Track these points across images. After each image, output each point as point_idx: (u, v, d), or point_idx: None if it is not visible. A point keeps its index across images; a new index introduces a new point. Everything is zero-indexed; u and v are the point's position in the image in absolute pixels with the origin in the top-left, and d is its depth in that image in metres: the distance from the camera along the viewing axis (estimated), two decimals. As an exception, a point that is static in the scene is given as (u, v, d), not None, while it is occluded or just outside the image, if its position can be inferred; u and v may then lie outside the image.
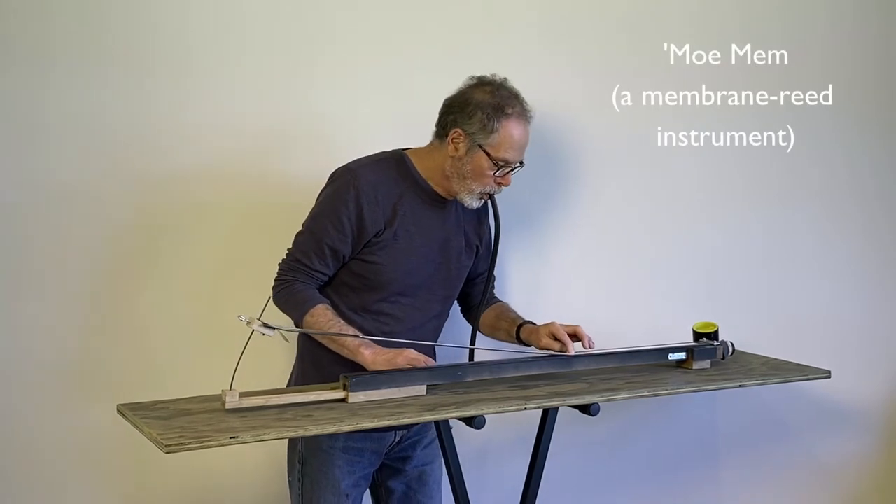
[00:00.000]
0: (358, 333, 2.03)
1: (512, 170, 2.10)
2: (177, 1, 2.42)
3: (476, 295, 2.31)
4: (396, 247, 2.09)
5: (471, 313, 2.34)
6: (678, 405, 2.67)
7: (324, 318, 2.02)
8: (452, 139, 2.07)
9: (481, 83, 2.09)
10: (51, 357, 2.42)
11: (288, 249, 2.12)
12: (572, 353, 2.12)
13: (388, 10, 2.50)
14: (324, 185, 2.13)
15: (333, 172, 2.13)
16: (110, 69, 2.39)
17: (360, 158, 2.14)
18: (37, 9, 2.36)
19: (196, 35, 2.42)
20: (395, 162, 2.13)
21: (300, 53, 2.46)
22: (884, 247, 2.74)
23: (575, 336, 2.14)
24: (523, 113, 2.08)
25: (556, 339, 2.14)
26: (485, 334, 2.31)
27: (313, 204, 2.13)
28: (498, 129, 2.04)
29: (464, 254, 2.22)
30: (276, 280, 2.11)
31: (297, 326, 2.05)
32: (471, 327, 2.29)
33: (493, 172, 2.07)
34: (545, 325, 2.17)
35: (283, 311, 2.08)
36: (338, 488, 2.12)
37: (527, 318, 2.26)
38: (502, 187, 2.12)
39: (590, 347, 2.13)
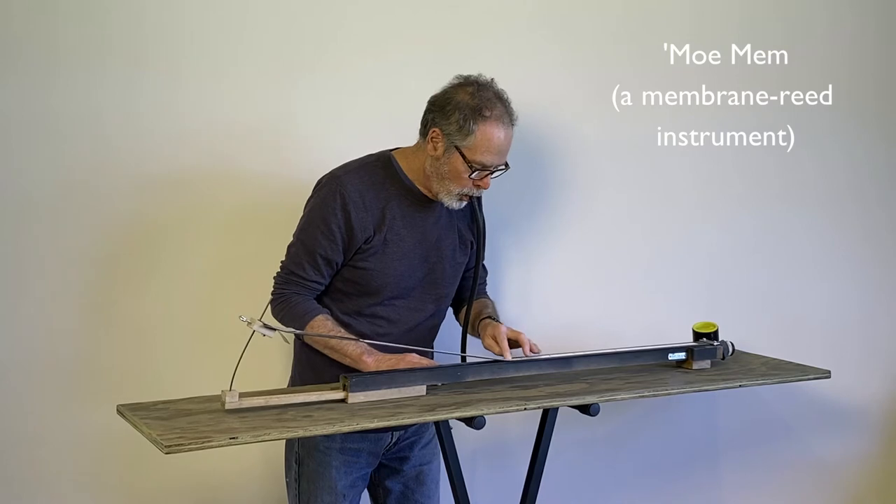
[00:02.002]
0: (359, 339, 2.03)
1: (490, 173, 2.06)
2: (172, 5, 2.41)
3: (465, 290, 2.27)
4: (387, 251, 2.08)
5: (460, 310, 2.31)
6: (678, 405, 2.67)
7: (324, 328, 2.02)
8: (431, 138, 2.04)
9: (465, 83, 2.06)
10: (51, 357, 2.42)
11: (281, 262, 2.11)
12: (508, 358, 2.07)
13: (387, 10, 2.49)
14: (310, 193, 2.12)
15: (319, 180, 2.11)
16: (106, 71, 2.39)
17: (346, 164, 2.12)
18: (34, 10, 2.35)
19: (191, 38, 2.42)
20: (382, 165, 2.11)
21: (294, 55, 2.46)
22: (883, 247, 2.75)
23: (516, 342, 2.10)
24: (503, 116, 2.03)
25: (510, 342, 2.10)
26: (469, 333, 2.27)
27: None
28: (474, 132, 2.00)
29: (458, 251, 2.20)
30: (272, 294, 2.10)
31: (297, 338, 2.04)
32: (459, 329, 2.27)
33: (468, 175, 2.03)
34: (492, 326, 2.13)
35: (282, 323, 2.05)
36: (334, 488, 2.12)
37: (496, 316, 2.21)
38: (481, 189, 2.08)
39: (531, 353, 2.09)
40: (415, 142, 2.12)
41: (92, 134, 2.40)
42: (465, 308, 2.25)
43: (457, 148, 2.02)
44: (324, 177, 2.11)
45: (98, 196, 2.41)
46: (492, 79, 2.07)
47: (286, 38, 2.45)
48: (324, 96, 2.47)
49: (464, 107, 2.00)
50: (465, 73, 2.09)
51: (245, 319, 1.80)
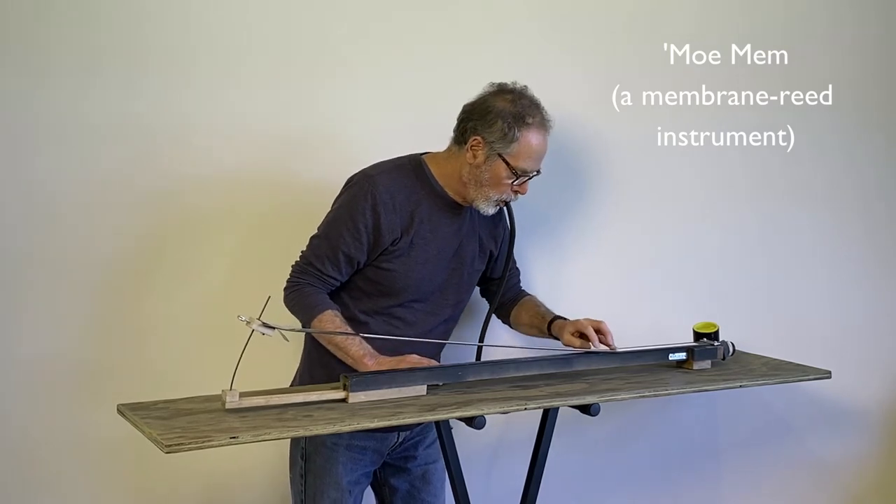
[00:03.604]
0: (362, 340, 2.03)
1: (529, 178, 2.10)
2: (188, 6, 2.42)
3: (503, 292, 2.34)
4: (412, 254, 2.09)
5: (499, 311, 2.38)
6: (678, 405, 2.67)
7: (331, 325, 2.02)
8: (471, 146, 2.06)
9: (502, 91, 2.08)
10: (52, 357, 2.42)
11: (302, 251, 2.11)
12: (598, 348, 2.14)
13: (393, 13, 2.50)
14: (340, 189, 2.12)
15: (351, 178, 2.11)
16: (121, 74, 2.40)
17: (379, 164, 2.13)
18: (43, 10, 2.36)
19: (207, 40, 2.42)
20: (413, 168, 2.12)
21: (311, 59, 2.46)
22: (884, 247, 2.74)
23: (598, 331, 2.15)
24: (543, 122, 2.08)
25: (581, 335, 2.16)
26: (519, 331, 2.37)
27: (319, 210, 2.13)
28: (518, 139, 2.03)
29: (477, 259, 2.23)
30: (287, 281, 2.10)
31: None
32: (479, 331, 2.34)
33: (510, 181, 2.07)
34: (571, 323, 2.19)
35: (291, 312, 2.07)
36: (340, 484, 2.13)
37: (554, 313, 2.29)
38: (518, 195, 2.12)
39: (610, 347, 2.15)
40: (444, 147, 2.14)
41: (98, 137, 2.41)
42: (491, 308, 2.33)
43: (500, 155, 2.04)
44: (355, 175, 2.11)
45: (102, 198, 2.42)
46: (525, 86, 2.10)
47: (306, 42, 2.46)
48: (340, 100, 2.47)
49: (507, 115, 2.03)
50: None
51: (244, 319, 1.80)
